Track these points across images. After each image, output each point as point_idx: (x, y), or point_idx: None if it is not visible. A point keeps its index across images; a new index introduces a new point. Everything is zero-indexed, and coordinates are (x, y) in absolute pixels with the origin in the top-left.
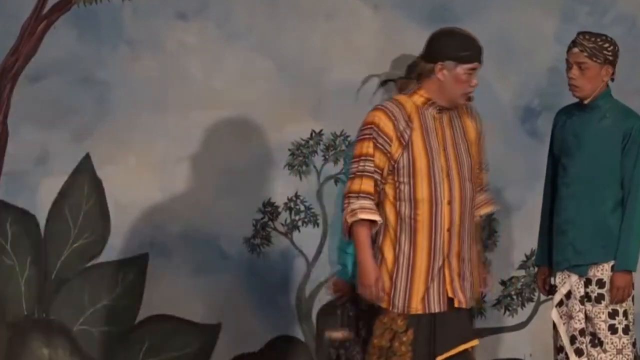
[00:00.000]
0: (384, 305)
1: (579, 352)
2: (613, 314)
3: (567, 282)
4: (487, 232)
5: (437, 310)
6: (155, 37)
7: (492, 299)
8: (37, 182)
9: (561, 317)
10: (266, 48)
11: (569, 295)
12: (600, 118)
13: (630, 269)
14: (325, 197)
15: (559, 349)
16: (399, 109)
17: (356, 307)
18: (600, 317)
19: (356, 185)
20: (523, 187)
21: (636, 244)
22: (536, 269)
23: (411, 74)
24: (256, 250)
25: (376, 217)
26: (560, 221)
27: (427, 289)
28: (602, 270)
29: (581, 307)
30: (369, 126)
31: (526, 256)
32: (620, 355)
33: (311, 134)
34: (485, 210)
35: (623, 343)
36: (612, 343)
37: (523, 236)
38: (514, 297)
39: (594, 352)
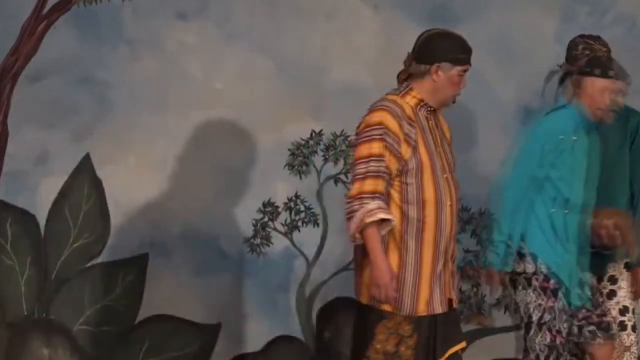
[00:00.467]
0: (388, 308)
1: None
2: (624, 311)
3: None
4: (487, 232)
5: (439, 312)
6: (155, 37)
7: (492, 299)
8: (37, 182)
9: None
10: (266, 48)
11: None
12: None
13: None
14: (325, 197)
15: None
16: (399, 108)
17: None
18: (610, 314)
19: (370, 185)
20: None
21: None
22: None
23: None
24: (256, 250)
25: (393, 217)
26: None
27: (431, 291)
28: (614, 267)
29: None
30: (378, 127)
31: None
32: (628, 353)
33: (311, 134)
34: None
35: (631, 340)
36: (620, 340)
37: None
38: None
39: None
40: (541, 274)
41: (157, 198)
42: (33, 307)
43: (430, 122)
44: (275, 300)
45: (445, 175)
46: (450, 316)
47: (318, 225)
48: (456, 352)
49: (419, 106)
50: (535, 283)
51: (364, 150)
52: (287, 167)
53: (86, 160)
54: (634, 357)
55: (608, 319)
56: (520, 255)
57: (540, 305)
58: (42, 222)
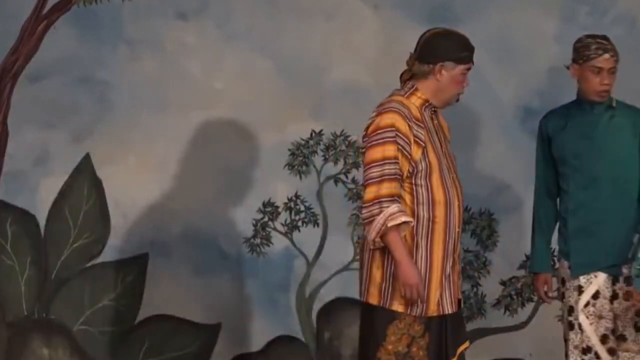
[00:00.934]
0: (400, 309)
1: (611, 352)
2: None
3: (594, 283)
4: (487, 232)
5: (449, 312)
6: (155, 37)
7: (492, 299)
8: (37, 182)
9: (587, 317)
10: (266, 48)
11: (595, 295)
12: (610, 117)
13: None
14: (325, 197)
15: (585, 350)
16: (406, 109)
17: None
18: (627, 315)
19: (387, 189)
20: (523, 187)
21: None
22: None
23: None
24: (256, 250)
25: (412, 220)
26: (584, 224)
27: (441, 291)
28: (629, 267)
29: (611, 306)
30: (390, 129)
31: (526, 256)
32: None
33: (311, 134)
34: None
35: None
36: (636, 341)
37: (523, 236)
38: (514, 297)
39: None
40: None
41: (157, 198)
42: (33, 307)
43: (434, 122)
44: (275, 300)
45: (451, 175)
46: (457, 316)
47: (318, 225)
48: (462, 351)
49: (424, 107)
50: None
51: (377, 153)
52: (287, 167)
53: (86, 160)
54: None
55: None
56: None
57: None
58: (42, 222)
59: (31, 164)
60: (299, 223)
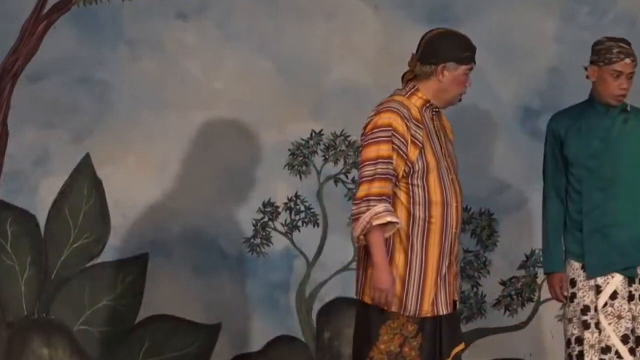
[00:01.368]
0: (393, 309)
1: (632, 352)
2: None
3: (612, 283)
4: (487, 232)
5: (444, 313)
6: (155, 37)
7: (492, 299)
8: (37, 182)
9: (606, 317)
10: (266, 48)
11: (613, 295)
12: (624, 119)
13: None
14: (325, 197)
15: (605, 349)
16: (406, 110)
17: None
18: None
19: (377, 188)
20: (523, 187)
21: None
22: (538, 272)
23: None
24: (256, 250)
25: (399, 220)
26: (599, 225)
27: (436, 292)
28: None
29: (629, 306)
30: (386, 128)
31: (526, 256)
32: None
33: (311, 134)
34: None
35: None
36: None
37: (523, 236)
38: (514, 297)
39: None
40: None
41: (157, 198)
42: (33, 307)
43: (435, 123)
44: (275, 300)
45: (450, 176)
46: (453, 317)
47: (318, 225)
48: (458, 353)
49: (424, 107)
50: None
51: (371, 152)
52: (287, 167)
53: (86, 160)
54: None
55: None
56: None
57: None
58: (42, 222)
59: (31, 164)
60: (299, 223)
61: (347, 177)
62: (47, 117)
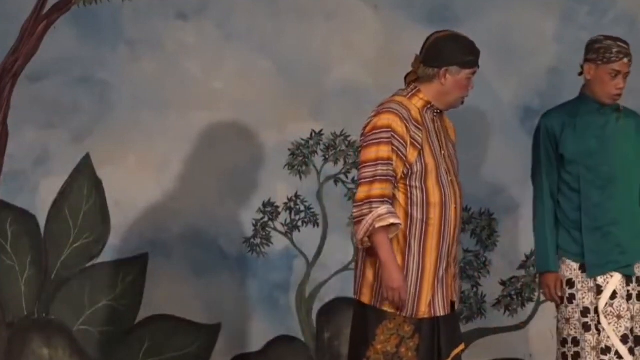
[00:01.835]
0: (390, 309)
1: (631, 352)
2: None
3: (611, 283)
4: (487, 232)
5: (441, 314)
6: (155, 37)
7: (492, 299)
8: (37, 182)
9: (605, 317)
10: (266, 48)
11: (613, 295)
12: (617, 118)
13: None
14: (325, 197)
15: (605, 350)
16: (406, 111)
17: None
18: None
19: (378, 189)
20: (523, 187)
21: None
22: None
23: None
24: (256, 250)
25: (401, 222)
26: (599, 224)
27: (433, 294)
28: None
29: (628, 305)
30: (386, 130)
31: (526, 256)
32: None
33: (311, 134)
34: None
35: None
36: None
37: (523, 236)
38: (514, 297)
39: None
40: None
41: (157, 198)
42: (33, 307)
43: (436, 124)
44: (275, 301)
45: (450, 178)
46: (452, 318)
47: (318, 225)
48: (458, 354)
49: (425, 108)
50: None
51: (371, 153)
52: (287, 167)
53: (86, 160)
54: None
55: None
56: None
57: None
58: (42, 222)
59: (31, 164)
60: (299, 223)
61: (347, 177)
62: (47, 117)
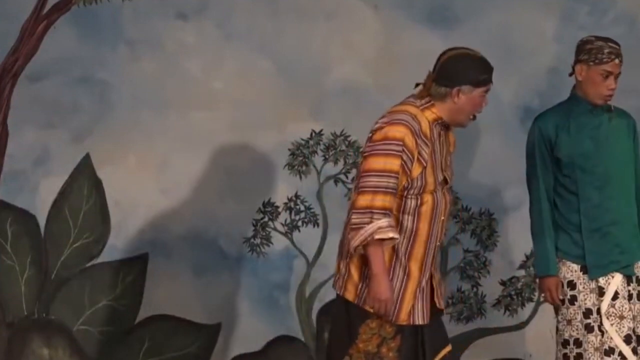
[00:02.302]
0: (372, 311)
1: (635, 352)
2: None
3: (613, 283)
4: (487, 232)
5: (420, 323)
6: (155, 37)
7: (492, 299)
8: (37, 182)
9: (608, 318)
10: (266, 48)
11: (614, 296)
12: (609, 118)
13: None
14: (325, 197)
15: (608, 351)
16: (417, 124)
17: None
18: None
19: (381, 201)
20: (523, 187)
21: None
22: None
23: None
24: (256, 250)
25: (398, 237)
26: (599, 225)
27: (414, 303)
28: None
29: (630, 306)
30: (398, 142)
31: (526, 256)
32: None
33: (311, 134)
34: None
35: None
36: None
37: (523, 236)
38: (514, 297)
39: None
40: None
41: (157, 198)
42: (33, 307)
43: (441, 137)
44: (275, 301)
45: (443, 190)
46: (435, 321)
47: (318, 225)
48: (444, 356)
49: (435, 123)
50: None
51: (379, 162)
52: (287, 167)
53: (86, 160)
54: None
55: None
56: None
57: None
58: (42, 222)
59: (31, 164)
60: (299, 223)
61: (347, 177)
62: (47, 117)
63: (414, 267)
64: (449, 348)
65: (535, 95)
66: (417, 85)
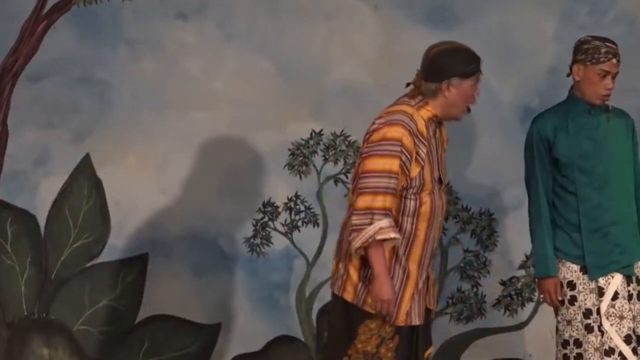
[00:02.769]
0: (372, 310)
1: (635, 352)
2: None
3: (612, 284)
4: (487, 232)
5: (417, 323)
6: (155, 37)
7: (492, 299)
8: (37, 182)
9: (608, 318)
10: (266, 48)
11: (614, 296)
12: (607, 118)
13: None
14: (325, 197)
15: (608, 351)
16: (414, 124)
17: None
18: None
19: (381, 202)
20: (523, 187)
21: None
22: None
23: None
24: (256, 250)
25: (399, 237)
26: (599, 225)
27: (412, 305)
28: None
29: (630, 306)
30: (396, 143)
31: (526, 256)
32: None
33: (311, 134)
34: None
35: None
36: None
37: (523, 236)
38: (514, 297)
39: None
40: None
41: (157, 198)
42: (33, 307)
43: (436, 135)
44: (275, 301)
45: (439, 189)
46: (426, 323)
47: (318, 225)
48: (428, 355)
49: (431, 121)
50: None
51: (378, 163)
52: (287, 167)
53: (86, 160)
54: None
55: None
56: None
57: None
58: (42, 222)
59: (31, 164)
60: (299, 223)
61: (347, 177)
62: (47, 117)
63: (413, 268)
64: (431, 349)
65: (535, 95)
66: (407, 85)
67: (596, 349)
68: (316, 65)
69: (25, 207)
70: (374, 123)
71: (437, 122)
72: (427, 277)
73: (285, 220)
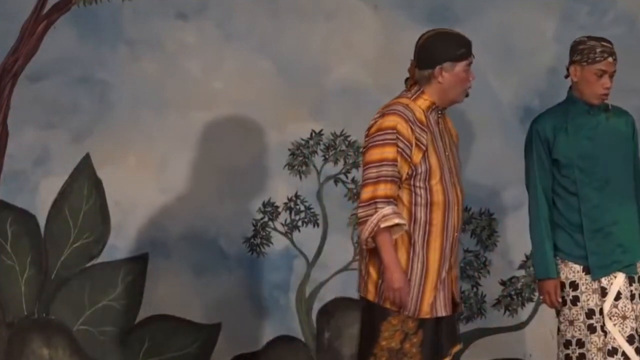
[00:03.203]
0: (394, 307)
1: (638, 352)
2: None
3: (615, 284)
4: (487, 232)
5: (443, 314)
6: (155, 37)
7: (492, 299)
8: (37, 182)
9: (610, 318)
10: (266, 48)
11: (617, 296)
12: (607, 118)
13: None
14: (325, 197)
15: (611, 351)
16: (411, 112)
17: None
18: None
19: (383, 190)
20: (523, 187)
21: None
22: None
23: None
24: (256, 250)
25: (406, 222)
26: (600, 225)
27: (435, 295)
28: None
29: (632, 306)
30: (391, 131)
31: (526, 256)
32: None
33: (311, 134)
34: None
35: None
36: None
37: (523, 236)
38: (514, 297)
39: None
40: None
41: (157, 198)
42: (33, 307)
43: (440, 126)
44: (275, 301)
45: (453, 180)
46: (453, 318)
47: (318, 225)
48: (456, 352)
49: (430, 110)
50: None
51: (375, 154)
52: (287, 167)
53: (86, 160)
54: None
55: None
56: None
57: None
58: (42, 222)
59: (31, 164)
60: (299, 223)
61: (347, 177)
62: (47, 117)
63: (433, 259)
64: (459, 346)
65: (535, 95)
66: (406, 80)
67: (599, 349)
68: (316, 65)
69: (25, 207)
70: (372, 120)
71: (438, 111)
72: (451, 267)
73: (285, 220)
